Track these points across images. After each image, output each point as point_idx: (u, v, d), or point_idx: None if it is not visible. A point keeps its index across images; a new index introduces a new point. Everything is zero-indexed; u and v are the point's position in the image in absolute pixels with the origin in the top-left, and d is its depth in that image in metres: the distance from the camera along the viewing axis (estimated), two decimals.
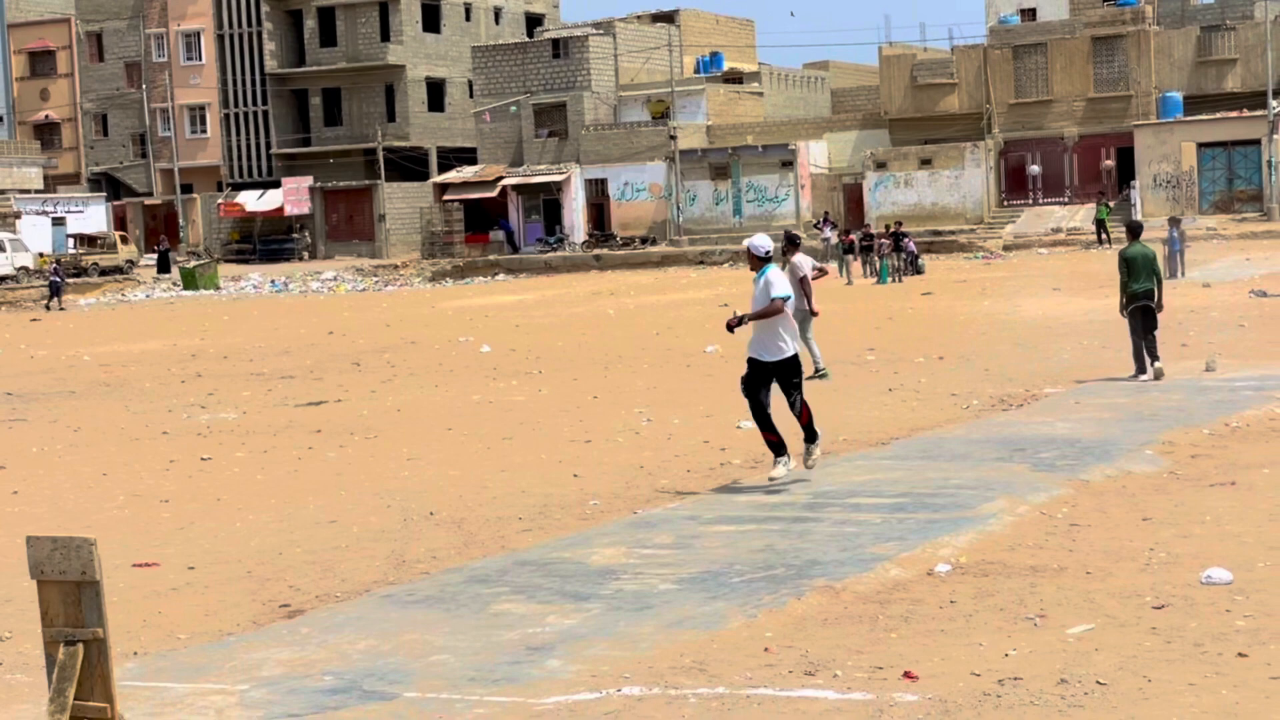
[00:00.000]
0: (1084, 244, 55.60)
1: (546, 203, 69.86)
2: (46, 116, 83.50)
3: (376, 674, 7.31)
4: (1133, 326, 18.93)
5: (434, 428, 18.00)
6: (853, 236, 49.27)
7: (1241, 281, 35.78)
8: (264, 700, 6.99)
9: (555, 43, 71.33)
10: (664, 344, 28.46)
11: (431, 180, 73.44)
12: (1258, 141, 58.31)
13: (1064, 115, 62.75)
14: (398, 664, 7.49)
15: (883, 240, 47.02)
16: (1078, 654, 7.24)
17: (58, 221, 71.11)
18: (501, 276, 63.90)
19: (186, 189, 79.38)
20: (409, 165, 76.39)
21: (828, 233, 55.58)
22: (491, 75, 71.70)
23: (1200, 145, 59.26)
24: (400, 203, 74.60)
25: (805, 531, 10.33)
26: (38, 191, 73.03)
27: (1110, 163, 61.69)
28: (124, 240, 69.63)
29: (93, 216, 73.48)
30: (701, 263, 61.60)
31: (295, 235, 76.26)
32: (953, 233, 60.56)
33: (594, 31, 71.62)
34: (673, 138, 66.44)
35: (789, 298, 12.12)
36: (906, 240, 47.44)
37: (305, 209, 75.80)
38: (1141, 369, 18.83)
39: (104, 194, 79.33)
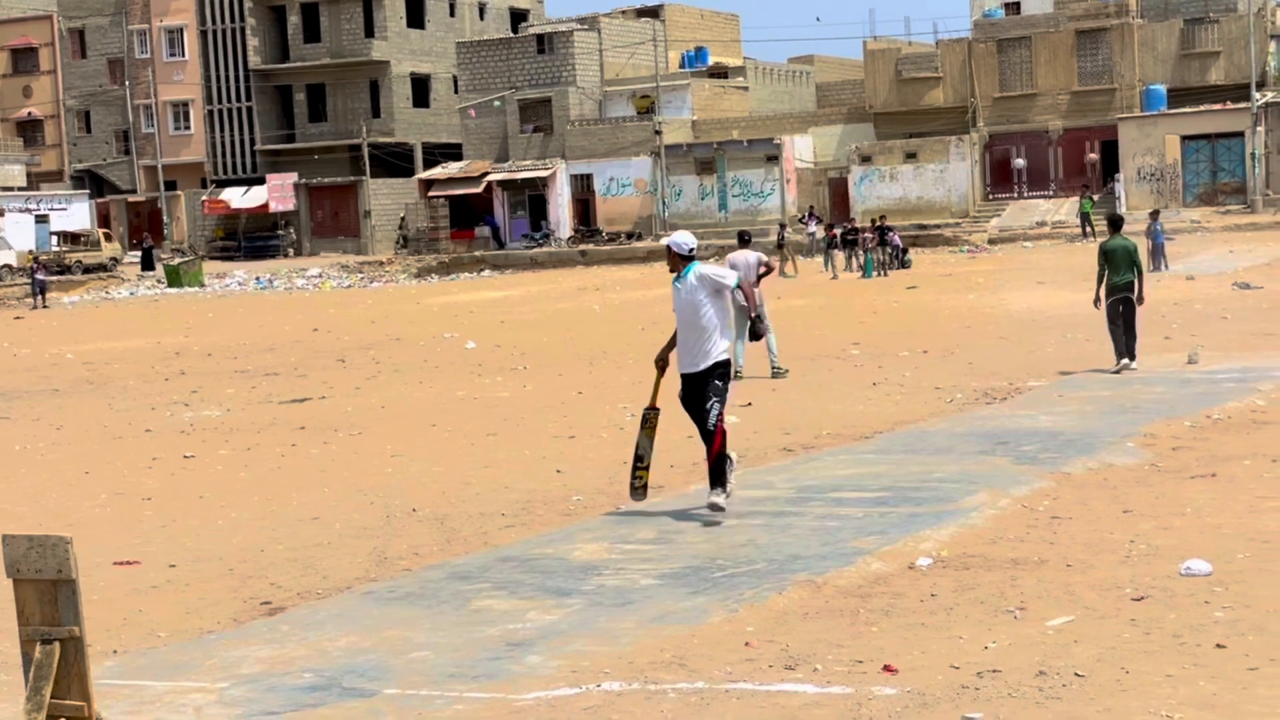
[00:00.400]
0: (1069, 237, 55.70)
1: (532, 198, 69.83)
2: (29, 114, 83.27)
3: (356, 671, 7.30)
4: (1111, 318, 19.01)
5: (418, 424, 17.99)
6: (836, 231, 49.28)
7: (1225, 274, 35.88)
8: (243, 698, 6.98)
9: (540, 38, 71.29)
10: (649, 339, 28.40)
11: (417, 176, 73.36)
12: (1241, 134, 58.46)
13: (1048, 109, 62.84)
14: (378, 661, 7.48)
15: (866, 234, 47.06)
16: (1057, 646, 7.25)
17: (41, 219, 70.92)
18: (487, 272, 63.86)
19: (170, 186, 79.21)
20: (394, 161, 76.30)
21: (813, 227, 55.60)
22: (476, 71, 71.63)
23: (1184, 138, 59.39)
24: (385, 199, 74.51)
25: (787, 526, 10.33)
26: (21, 189, 72.85)
27: (1095, 156, 61.80)
28: (107, 238, 69.45)
29: (76, 214, 73.30)
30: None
31: (280, 232, 76.13)
32: (938, 226, 60.65)
33: (578, 26, 71.57)
34: (658, 132, 66.45)
35: (739, 280, 10.96)
36: (892, 234, 47.49)
37: (290, 205, 75.67)
38: (1121, 353, 18.92)
39: (87, 191, 79.14)
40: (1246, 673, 6.65)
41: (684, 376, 10.95)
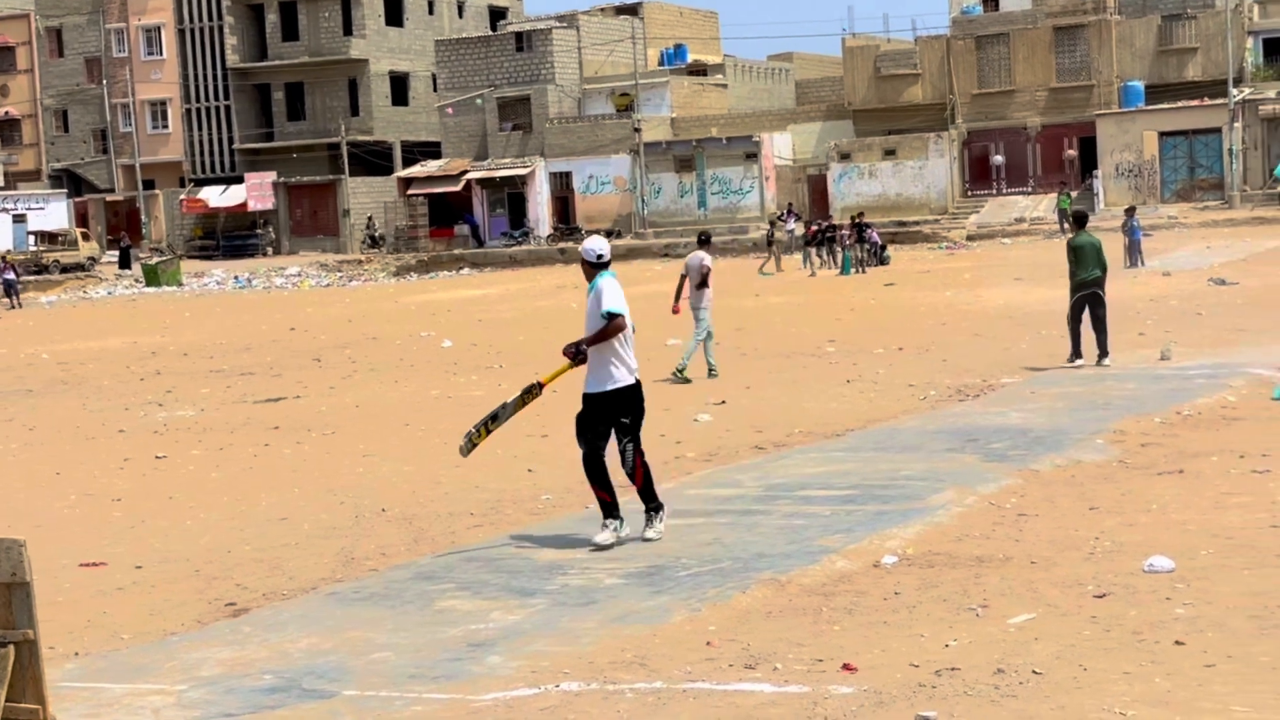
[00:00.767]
0: (1047, 233, 55.79)
1: (511, 196, 69.76)
2: (6, 113, 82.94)
3: (316, 672, 7.29)
4: (1076, 314, 19.15)
5: (392, 423, 17.96)
6: (815, 228, 49.31)
7: (1201, 270, 35.97)
8: (201, 700, 6.96)
9: (519, 36, 71.19)
10: None
11: (396, 175, 73.25)
12: (1219, 130, 58.58)
13: (1027, 105, 62.94)
14: (338, 662, 7.47)
15: (844, 232, 47.14)
16: (1017, 644, 7.27)
17: (19, 219, 70.67)
18: (466, 271, 63.75)
19: (149, 185, 78.95)
20: (373, 160, 76.16)
21: (791, 224, 55.63)
22: (455, 69, 71.52)
23: (1162, 134, 59.51)
24: (365, 198, 74.39)
25: (754, 525, 10.34)
26: None
27: (1073, 152, 61.91)
28: (85, 237, 69.24)
29: (54, 213, 73.03)
30: (666, 255, 61.53)
31: (259, 231, 75.95)
32: (917, 223, 60.70)
33: (557, 24, 71.50)
34: (637, 130, 66.42)
35: (620, 313, 9.90)
36: (870, 231, 47.52)
37: (269, 204, 75.50)
38: (1078, 354, 19.08)
39: (65, 191, 78.90)
40: (1203, 669, 6.67)
41: (584, 395, 10.13)
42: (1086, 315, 19.08)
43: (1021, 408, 15.68)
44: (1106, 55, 61.47)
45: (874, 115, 65.37)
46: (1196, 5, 62.10)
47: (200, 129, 79.39)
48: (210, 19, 78.21)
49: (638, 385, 10.09)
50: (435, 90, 75.11)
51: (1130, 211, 40.65)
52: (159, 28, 79.46)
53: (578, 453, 14.68)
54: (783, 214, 59.79)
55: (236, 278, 62.57)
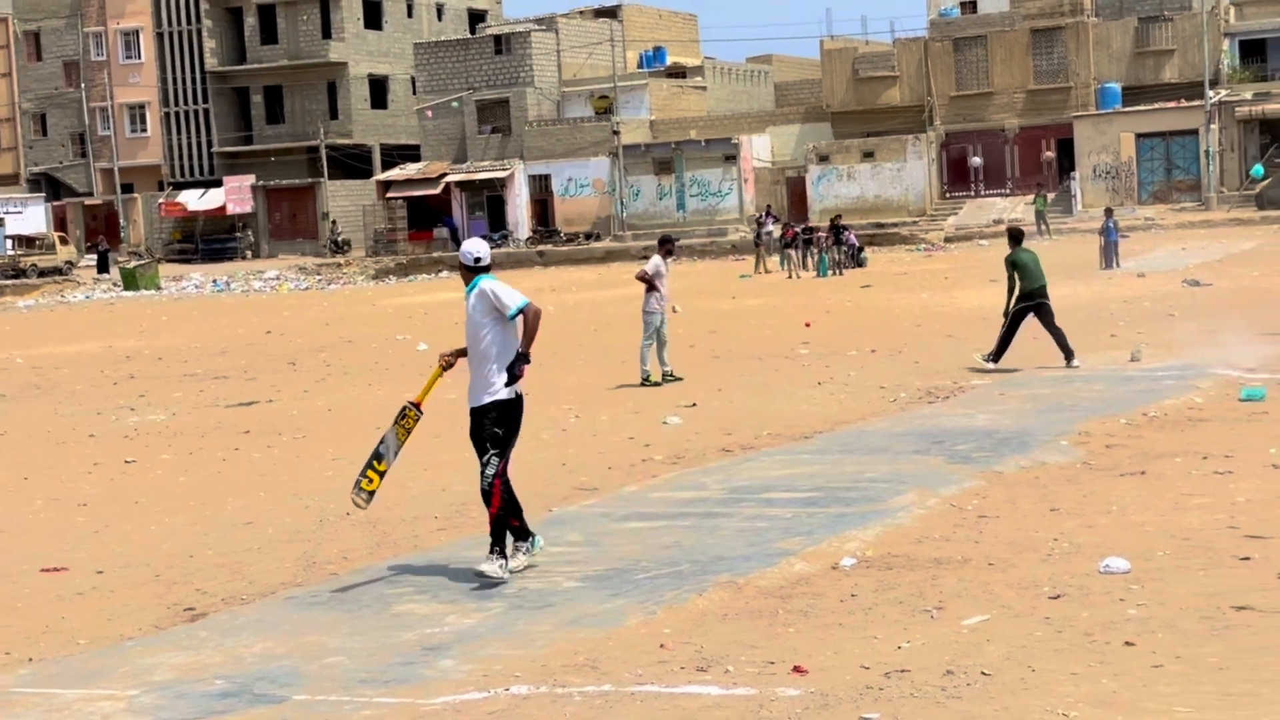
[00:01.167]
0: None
1: (490, 199, 69.72)
2: None
3: (269, 677, 7.29)
4: (1014, 323, 19.45)
5: (363, 427, 17.91)
6: (794, 230, 49.37)
7: (1176, 271, 36.09)
8: (152, 705, 6.95)
9: (498, 39, 71.17)
10: (601, 340, 28.49)
11: (375, 178, 73.16)
12: (1195, 132, 58.79)
13: (1004, 107, 63.11)
14: (291, 666, 7.47)
15: (819, 234, 47.22)
16: (969, 645, 7.28)
17: None
18: (445, 274, 63.65)
19: (127, 189, 78.75)
20: (352, 163, 76.08)
21: (770, 226, 55.66)
22: (434, 72, 71.47)
23: (1139, 136, 59.70)
24: (344, 201, 74.28)
25: (715, 527, 10.35)
26: None
27: (1051, 154, 62.07)
28: (63, 241, 69.05)
29: (32, 217, 72.80)
30: (645, 257, 61.34)
31: (238, 234, 75.81)
32: (895, 225, 60.81)
33: (536, 27, 71.50)
34: (616, 133, 66.44)
35: (527, 302, 9.34)
36: (847, 233, 47.60)
37: (248, 208, 75.35)
38: (999, 356, 19.36)
39: (43, 194, 78.66)
40: (1150, 670, 6.70)
41: (470, 410, 9.48)
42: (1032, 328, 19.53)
43: (989, 409, 15.72)
44: (1084, 57, 61.66)
45: (852, 117, 65.48)
46: (1173, 7, 62.32)
47: (179, 132, 79.22)
48: (188, 22, 78.05)
49: (519, 399, 9.42)
50: (414, 93, 75.07)
51: (1109, 212, 40.79)
52: (137, 31, 79.28)
53: (544, 455, 14.82)
54: (761, 216, 59.84)
55: (215, 281, 62.44)
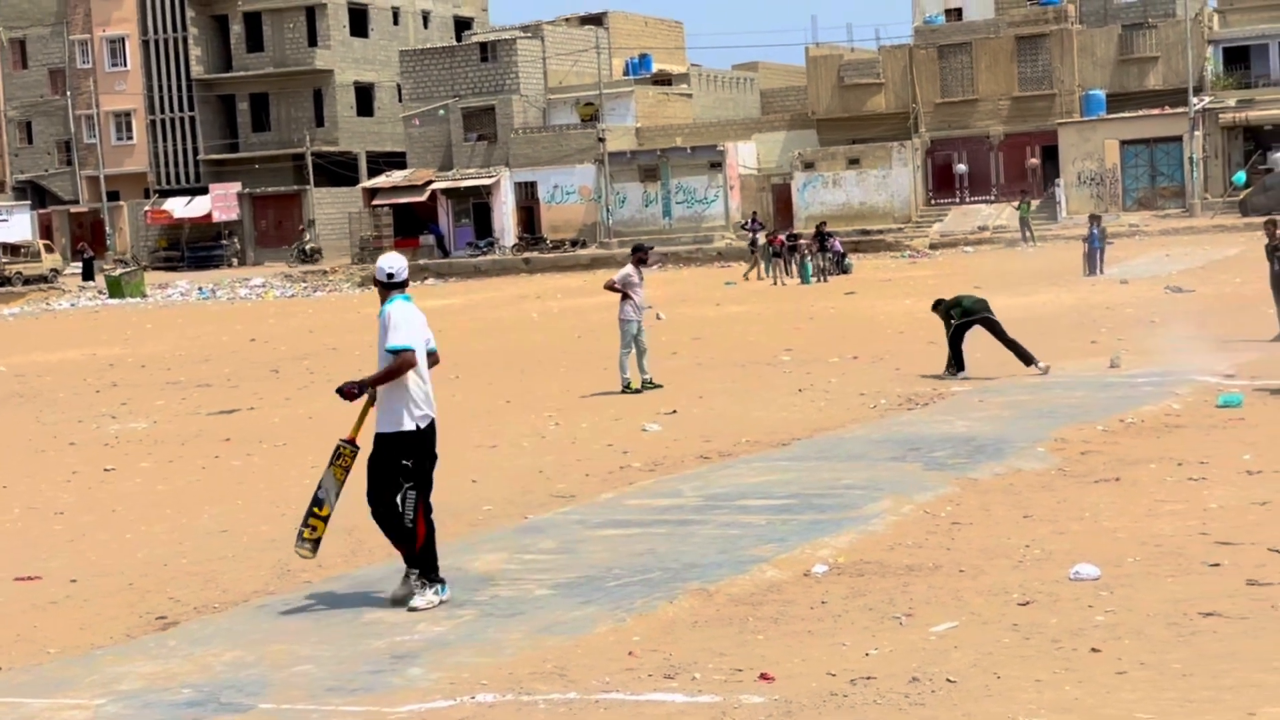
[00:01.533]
0: (1008, 242, 56.07)
1: (476, 206, 69.70)
2: None
3: (236, 686, 7.29)
4: (958, 335, 19.59)
5: (343, 435, 17.90)
6: (781, 238, 49.40)
7: (1159, 278, 36.17)
8: (118, 714, 6.95)
9: (483, 46, 71.16)
10: (584, 347, 28.47)
11: (361, 185, 73.13)
12: (1179, 138, 58.95)
13: (989, 114, 63.23)
14: (259, 675, 7.47)
15: (802, 241, 47.29)
16: (936, 652, 7.30)
17: None
18: (431, 281, 63.66)
19: (113, 196, 78.64)
20: (338, 170, 76.03)
21: (755, 233, 55.71)
22: (420, 79, 71.46)
23: (1123, 142, 59.85)
24: (330, 208, 74.24)
25: (689, 535, 10.36)
26: None
27: (1035, 161, 62.20)
28: (48, 249, 68.97)
29: (17, 225, 72.68)
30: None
31: (224, 242, 75.75)
32: (880, 232, 60.90)
33: (522, 35, 71.51)
34: (601, 140, 66.46)
35: (408, 348, 8.85)
36: (832, 240, 47.67)
37: (234, 215, 75.31)
38: (960, 367, 19.51)
39: (29, 202, 78.53)
40: (1114, 676, 6.72)
41: (375, 436, 9.00)
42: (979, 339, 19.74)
43: (968, 416, 15.75)
44: (1068, 64, 61.80)
45: (838, 124, 65.56)
46: (1157, 15, 62.50)
47: (165, 140, 79.14)
48: (174, 30, 77.99)
49: (431, 429, 8.92)
50: (400, 101, 75.05)
51: (1097, 219, 40.86)
52: (123, 39, 79.20)
53: (522, 463, 14.83)
54: (746, 223, 59.90)
55: (200, 289, 62.38)
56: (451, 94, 70.29)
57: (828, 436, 15.07)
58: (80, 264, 69.35)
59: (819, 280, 44.93)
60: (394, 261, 9.21)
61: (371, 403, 9.04)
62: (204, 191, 76.12)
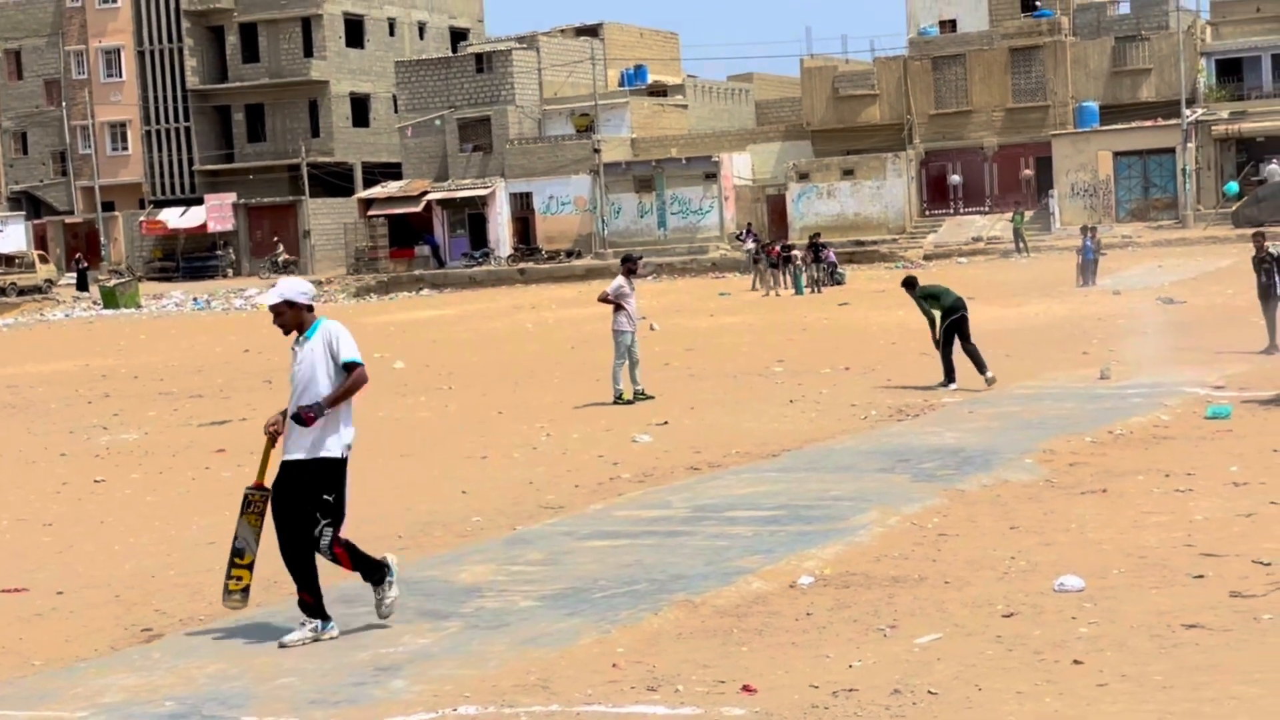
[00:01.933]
0: (1002, 253, 56.17)
1: (472, 217, 69.74)
2: None
3: (219, 698, 7.29)
4: (947, 339, 19.71)
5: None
6: (776, 249, 49.45)
7: (1151, 289, 36.24)
8: None
9: (479, 57, 71.25)
10: (578, 358, 28.51)
11: (356, 196, 73.16)
12: (1172, 150, 59.05)
13: (983, 125, 63.32)
14: (243, 687, 7.47)
15: (796, 251, 47.35)
16: (919, 664, 7.31)
17: None
18: (426, 291, 63.73)
19: (108, 207, 78.63)
20: (333, 181, 76.05)
21: (750, 244, 55.80)
22: (415, 90, 71.53)
23: (1116, 154, 59.96)
24: (325, 219, 74.23)
25: (677, 546, 10.37)
26: None
27: (1029, 172, 62.29)
28: (43, 259, 68.93)
29: (12, 235, 72.67)
30: None
31: (219, 252, 75.73)
32: (875, 243, 60.97)
33: (517, 46, 71.59)
34: (597, 151, 66.52)
35: (363, 363, 8.55)
36: (826, 251, 47.75)
37: (229, 226, 75.31)
38: (952, 378, 19.47)
39: (24, 213, 78.51)
40: (1095, 689, 6.73)
41: (283, 463, 8.47)
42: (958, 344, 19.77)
43: (957, 427, 15.77)
44: (1061, 76, 61.91)
45: (832, 135, 65.66)
46: (1150, 27, 62.63)
47: (160, 151, 79.13)
48: (170, 40, 78.02)
49: (345, 460, 8.48)
50: (396, 111, 75.10)
51: (1091, 231, 40.95)
52: (118, 50, 79.22)
53: (513, 474, 14.84)
54: (741, 234, 59.99)
55: (195, 299, 62.39)
56: (447, 105, 70.36)
57: (817, 448, 15.09)
58: (75, 275, 69.30)
59: (812, 291, 44.99)
60: (305, 284, 8.82)
61: (272, 443, 8.55)
62: (199, 202, 76.11)
